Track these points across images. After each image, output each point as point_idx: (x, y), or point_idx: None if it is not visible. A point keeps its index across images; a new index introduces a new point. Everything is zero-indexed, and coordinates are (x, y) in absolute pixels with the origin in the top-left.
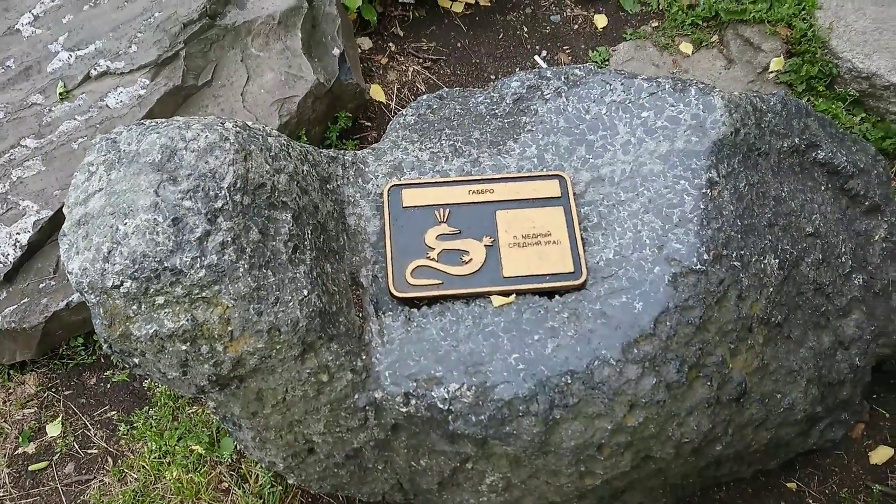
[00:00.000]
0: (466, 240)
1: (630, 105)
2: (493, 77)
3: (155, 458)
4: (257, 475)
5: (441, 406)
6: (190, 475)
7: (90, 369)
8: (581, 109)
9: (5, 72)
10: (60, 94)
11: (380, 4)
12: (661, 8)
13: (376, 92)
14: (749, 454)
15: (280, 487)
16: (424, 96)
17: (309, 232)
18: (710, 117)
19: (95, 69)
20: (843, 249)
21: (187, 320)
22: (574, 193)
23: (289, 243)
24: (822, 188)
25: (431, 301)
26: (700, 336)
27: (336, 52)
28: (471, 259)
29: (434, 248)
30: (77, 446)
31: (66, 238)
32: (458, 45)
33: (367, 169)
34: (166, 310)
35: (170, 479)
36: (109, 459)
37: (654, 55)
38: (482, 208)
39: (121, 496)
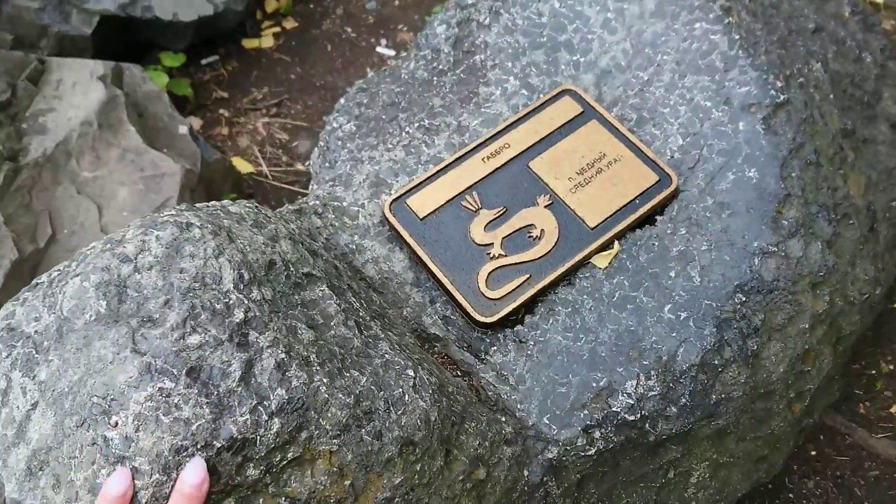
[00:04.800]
0: (520, 213)
1: None
2: (348, 89)
3: None
4: None
5: (632, 417)
6: None
7: None
8: (532, 16)
9: None
10: None
11: (184, 76)
12: None
13: (240, 165)
14: (891, 283)
15: None
16: (342, 101)
17: (353, 299)
18: None
19: None
20: (842, 34)
21: None
22: (594, 100)
23: (348, 322)
24: None
25: (529, 306)
26: (821, 173)
27: (183, 129)
28: (541, 230)
29: (492, 243)
30: None
31: None
32: (292, 76)
33: (344, 203)
34: None
35: None
36: None
37: None
38: (512, 169)
39: None
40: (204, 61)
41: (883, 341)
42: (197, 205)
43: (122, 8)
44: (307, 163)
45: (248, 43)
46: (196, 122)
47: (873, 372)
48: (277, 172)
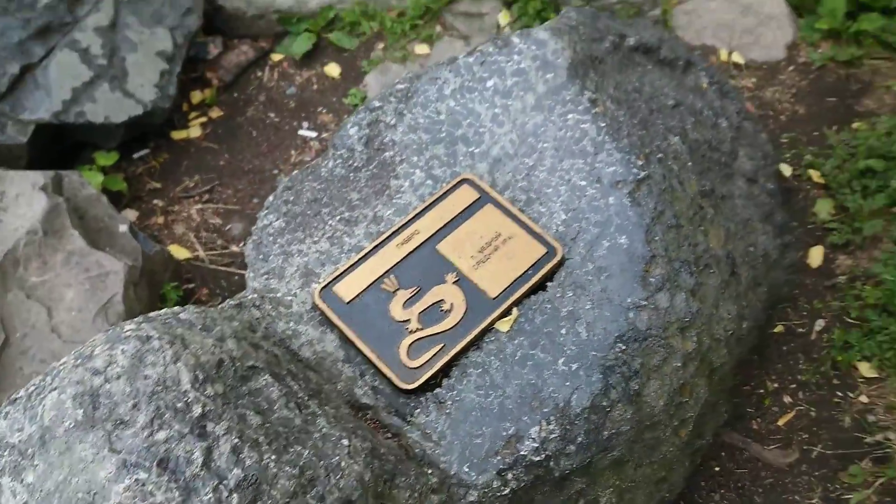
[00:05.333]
0: (432, 290)
1: (471, 84)
2: (276, 171)
3: None
4: None
5: (537, 458)
6: None
7: None
8: (432, 114)
9: None
10: None
11: (118, 172)
12: (377, 31)
13: (178, 252)
14: (760, 319)
15: None
16: (270, 198)
17: (293, 383)
18: (547, 51)
19: None
20: (699, 105)
21: None
22: (488, 186)
23: (290, 405)
24: (649, 67)
25: (446, 370)
26: (682, 232)
27: (123, 228)
28: (451, 304)
29: (409, 318)
30: None
31: None
32: (221, 163)
33: (279, 294)
34: None
35: None
36: None
37: (399, 71)
38: (422, 253)
39: None
40: (136, 155)
41: (767, 363)
42: (150, 314)
43: (56, 116)
44: (241, 244)
45: (177, 134)
46: (132, 214)
47: (761, 391)
48: (214, 255)
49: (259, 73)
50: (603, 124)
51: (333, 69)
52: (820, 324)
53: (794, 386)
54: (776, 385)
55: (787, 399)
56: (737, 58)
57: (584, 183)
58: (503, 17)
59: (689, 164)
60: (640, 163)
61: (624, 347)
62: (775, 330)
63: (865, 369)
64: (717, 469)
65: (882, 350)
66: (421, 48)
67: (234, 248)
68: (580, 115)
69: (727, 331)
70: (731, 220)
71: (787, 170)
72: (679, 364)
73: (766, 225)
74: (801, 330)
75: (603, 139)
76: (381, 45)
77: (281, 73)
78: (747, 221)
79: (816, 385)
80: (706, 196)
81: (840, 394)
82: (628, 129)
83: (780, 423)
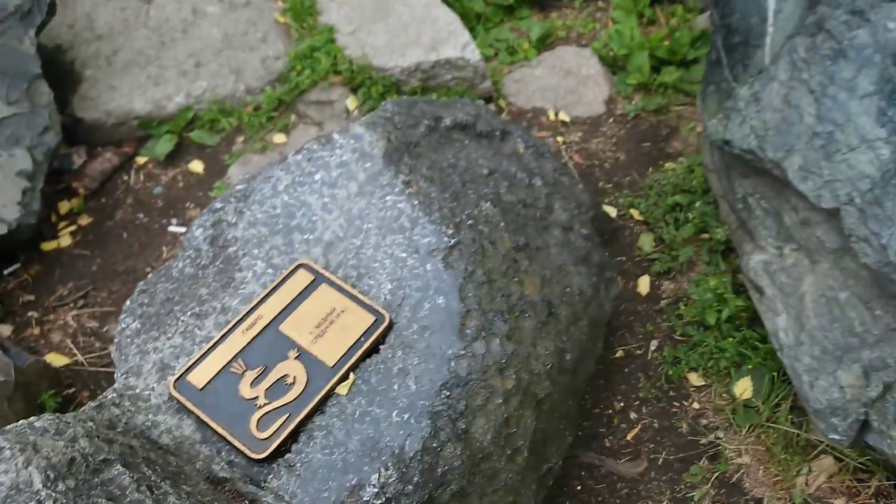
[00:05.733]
0: (276, 367)
1: (301, 179)
2: (148, 269)
3: None
4: None
5: (379, 502)
6: None
7: None
8: (268, 209)
9: None
10: None
11: None
12: (235, 126)
13: (56, 359)
14: (587, 348)
15: None
16: (128, 302)
17: (146, 469)
18: (364, 143)
19: None
20: (513, 169)
21: None
22: (322, 268)
23: (141, 488)
24: (466, 142)
25: (294, 436)
26: (494, 286)
27: None
28: (294, 377)
29: (257, 396)
30: None
31: None
32: (94, 268)
33: (137, 390)
34: None
35: None
36: None
37: (260, 160)
38: (266, 336)
39: None
40: (6, 272)
41: (612, 386)
42: (6, 427)
43: None
44: None
45: (47, 245)
46: (6, 329)
47: (610, 411)
48: (93, 359)
49: (125, 177)
50: (416, 202)
51: (197, 165)
52: (654, 344)
53: (637, 402)
54: (622, 404)
55: (633, 415)
56: (563, 116)
57: (404, 255)
58: (351, 102)
59: (502, 224)
60: (450, 231)
61: (448, 393)
62: (617, 355)
63: (694, 379)
64: (578, 488)
65: (704, 360)
66: (279, 137)
67: (113, 349)
68: (396, 196)
69: (546, 365)
70: (546, 268)
71: (612, 211)
72: (501, 401)
73: (580, 267)
74: (638, 352)
75: (417, 215)
76: (240, 139)
77: (147, 175)
78: (562, 266)
79: (656, 399)
80: (521, 250)
81: (676, 404)
82: (440, 203)
83: (629, 437)
